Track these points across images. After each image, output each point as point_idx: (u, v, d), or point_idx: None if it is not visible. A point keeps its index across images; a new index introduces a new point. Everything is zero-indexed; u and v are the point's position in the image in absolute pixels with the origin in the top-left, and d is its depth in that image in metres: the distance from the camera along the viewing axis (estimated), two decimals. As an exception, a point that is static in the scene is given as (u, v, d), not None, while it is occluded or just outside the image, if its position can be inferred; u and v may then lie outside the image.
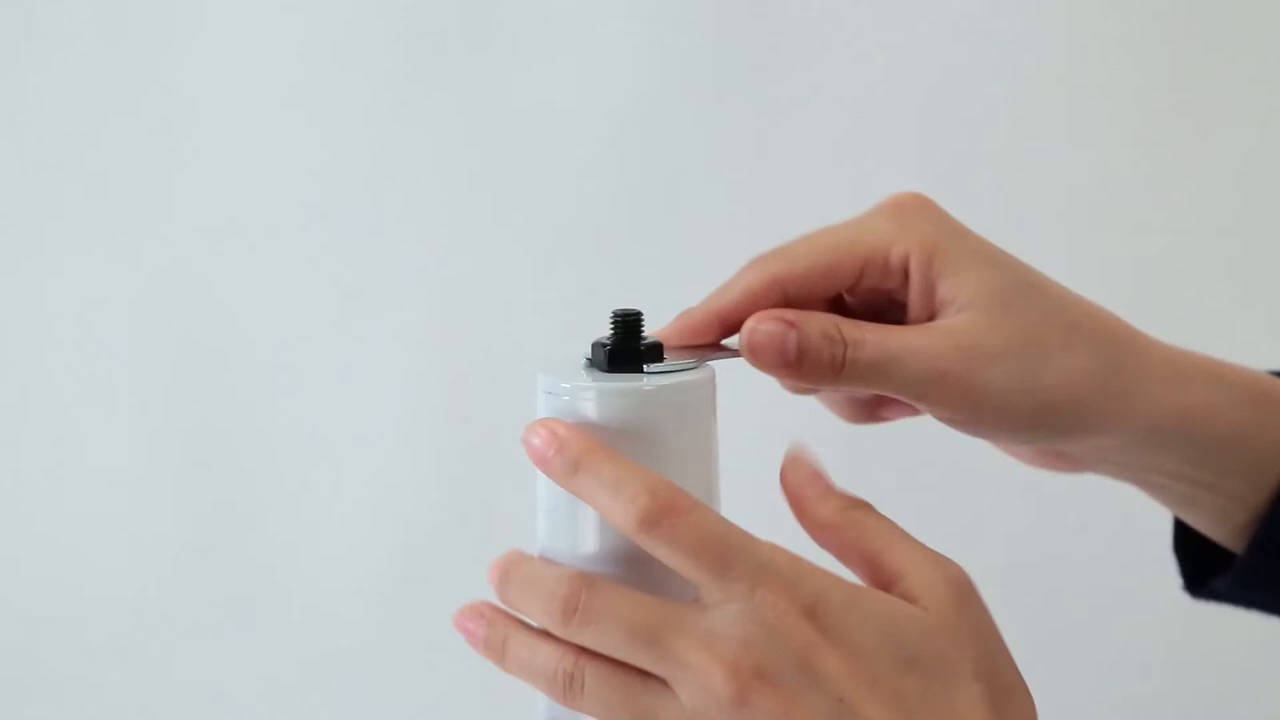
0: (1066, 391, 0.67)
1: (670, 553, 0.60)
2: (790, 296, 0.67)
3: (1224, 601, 0.76)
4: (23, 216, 1.40)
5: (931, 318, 0.67)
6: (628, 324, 0.65)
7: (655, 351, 0.65)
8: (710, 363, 0.66)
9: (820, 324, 0.65)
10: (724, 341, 0.68)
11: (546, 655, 0.63)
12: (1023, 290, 0.67)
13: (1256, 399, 0.71)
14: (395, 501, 1.40)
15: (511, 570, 0.65)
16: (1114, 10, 1.33)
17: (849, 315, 0.67)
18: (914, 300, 0.67)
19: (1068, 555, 1.36)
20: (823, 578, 0.61)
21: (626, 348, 0.65)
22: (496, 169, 1.38)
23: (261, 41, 1.38)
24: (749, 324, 0.66)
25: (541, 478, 0.64)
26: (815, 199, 1.35)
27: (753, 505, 1.12)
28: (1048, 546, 1.36)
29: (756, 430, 1.25)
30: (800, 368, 0.65)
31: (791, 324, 0.65)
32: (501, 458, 1.36)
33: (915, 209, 0.69)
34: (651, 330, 0.66)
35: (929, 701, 0.60)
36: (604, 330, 0.65)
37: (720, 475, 0.66)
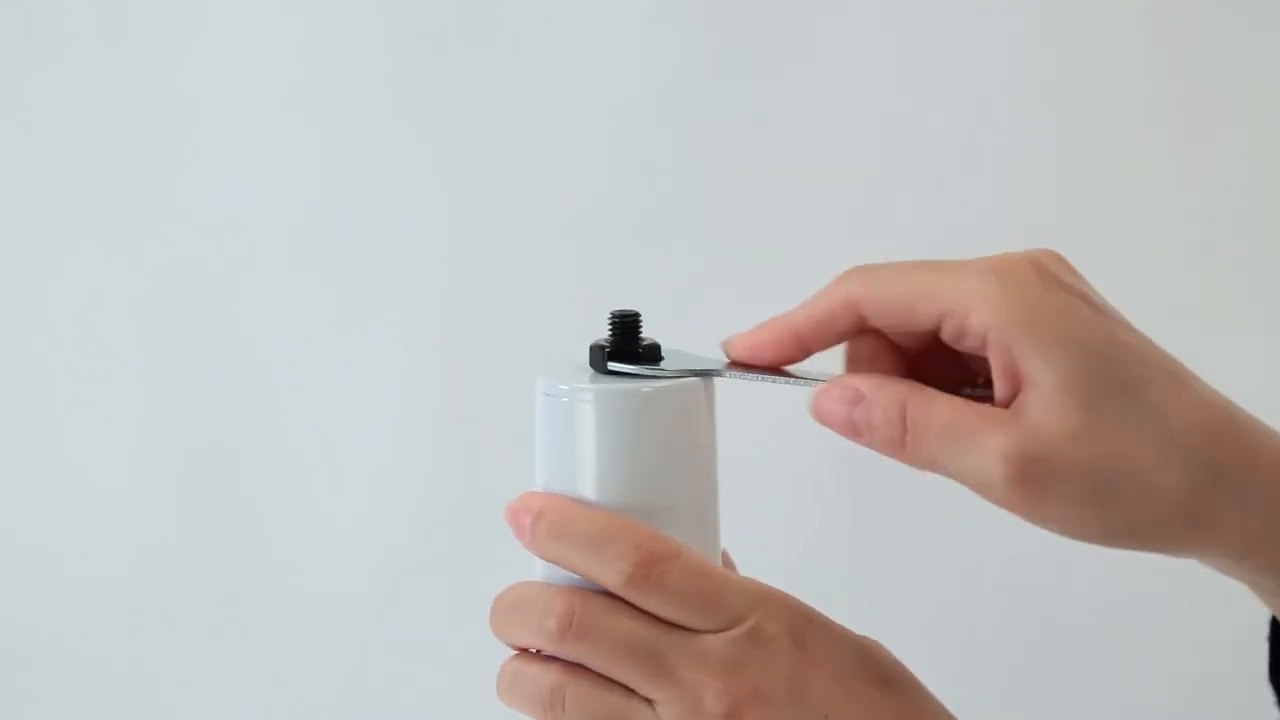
0: (1146, 515, 0.59)
1: (662, 601, 0.62)
2: (869, 322, 0.62)
3: None
4: (22, 216, 1.40)
5: (1016, 393, 0.59)
6: (626, 325, 0.65)
7: (653, 353, 0.65)
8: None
9: (886, 401, 0.61)
10: (796, 368, 0.65)
11: (532, 676, 0.63)
12: (1116, 390, 0.58)
13: None
14: (395, 502, 1.40)
15: (498, 599, 0.65)
16: (1120, 7, 1.33)
17: (944, 356, 0.63)
18: (995, 373, 0.60)
19: (1081, 561, 1.35)
20: (803, 606, 0.64)
21: (625, 349, 0.64)
22: (496, 169, 1.38)
23: (261, 42, 1.38)
24: (817, 392, 0.62)
25: (540, 485, 0.64)
26: (817, 198, 1.35)
27: (754, 508, 1.12)
28: (1053, 554, 1.35)
29: (758, 433, 1.25)
30: (864, 440, 0.62)
31: (860, 397, 0.61)
32: (502, 459, 1.36)
33: (1019, 274, 0.60)
34: (730, 335, 0.65)
35: (907, 716, 0.63)
36: (604, 331, 0.65)
37: (719, 477, 0.66)
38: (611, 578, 0.62)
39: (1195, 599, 1.32)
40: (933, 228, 1.33)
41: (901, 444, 0.61)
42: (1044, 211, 1.34)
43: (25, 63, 1.38)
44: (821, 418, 0.63)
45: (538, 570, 0.65)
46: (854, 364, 0.65)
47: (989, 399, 0.60)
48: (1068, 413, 0.58)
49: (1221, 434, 0.60)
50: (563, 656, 0.63)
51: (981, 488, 0.60)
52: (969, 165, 1.34)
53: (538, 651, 0.64)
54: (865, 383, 0.62)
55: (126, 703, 1.43)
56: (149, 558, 1.42)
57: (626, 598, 0.62)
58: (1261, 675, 1.27)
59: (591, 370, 0.65)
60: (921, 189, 1.35)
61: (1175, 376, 0.60)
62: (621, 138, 1.36)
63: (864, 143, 1.35)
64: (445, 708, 1.41)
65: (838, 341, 0.64)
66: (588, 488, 0.63)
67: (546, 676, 0.63)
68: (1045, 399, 0.58)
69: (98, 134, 1.39)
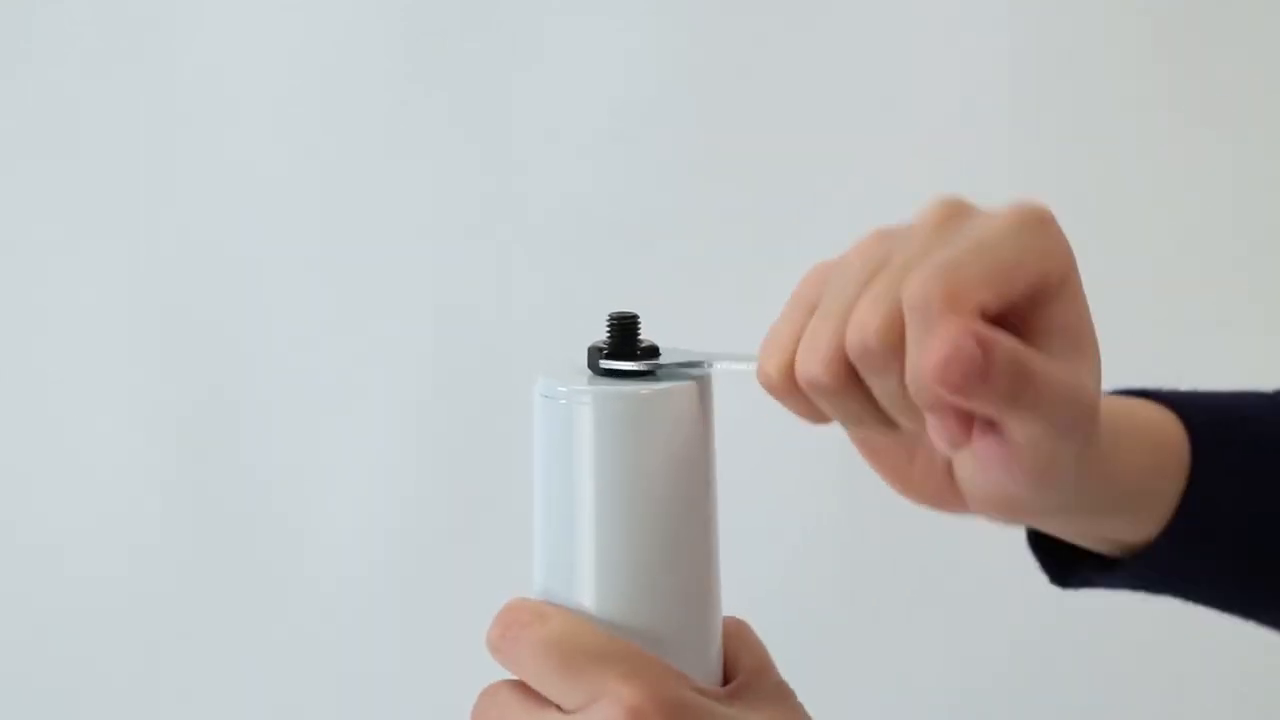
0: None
1: (516, 672, 0.61)
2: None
3: (1101, 586, 0.74)
4: (21, 215, 1.40)
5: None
6: (624, 327, 0.64)
7: (650, 355, 0.65)
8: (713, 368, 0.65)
9: (1007, 349, 0.56)
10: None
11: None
12: None
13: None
14: (394, 502, 1.40)
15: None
16: (1120, 9, 1.33)
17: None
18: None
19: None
20: (672, 693, 0.59)
21: (623, 351, 0.64)
22: (496, 169, 1.38)
23: (261, 41, 1.38)
24: (932, 353, 0.55)
25: (538, 521, 0.64)
26: (817, 197, 1.35)
27: (752, 508, 1.12)
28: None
29: (756, 435, 1.25)
30: (984, 389, 0.56)
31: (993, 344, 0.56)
32: (500, 457, 1.36)
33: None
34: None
35: None
36: (602, 333, 0.65)
37: (717, 480, 0.66)
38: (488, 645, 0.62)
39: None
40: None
41: (1023, 395, 0.57)
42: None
43: (25, 61, 1.38)
44: (946, 372, 0.55)
45: (536, 585, 0.65)
46: None
47: None
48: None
49: None
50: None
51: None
52: (973, 165, 1.34)
53: None
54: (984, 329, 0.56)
55: (123, 698, 1.43)
56: (147, 556, 1.42)
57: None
58: (1261, 673, 1.28)
59: (590, 372, 0.65)
60: (924, 188, 1.34)
61: None
62: (621, 137, 1.37)
63: (866, 142, 1.35)
64: (445, 707, 1.41)
65: None
66: (585, 489, 0.63)
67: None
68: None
69: (96, 133, 1.39)
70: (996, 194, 1.41)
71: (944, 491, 0.66)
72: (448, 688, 1.40)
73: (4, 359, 1.42)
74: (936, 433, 0.58)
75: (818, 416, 0.61)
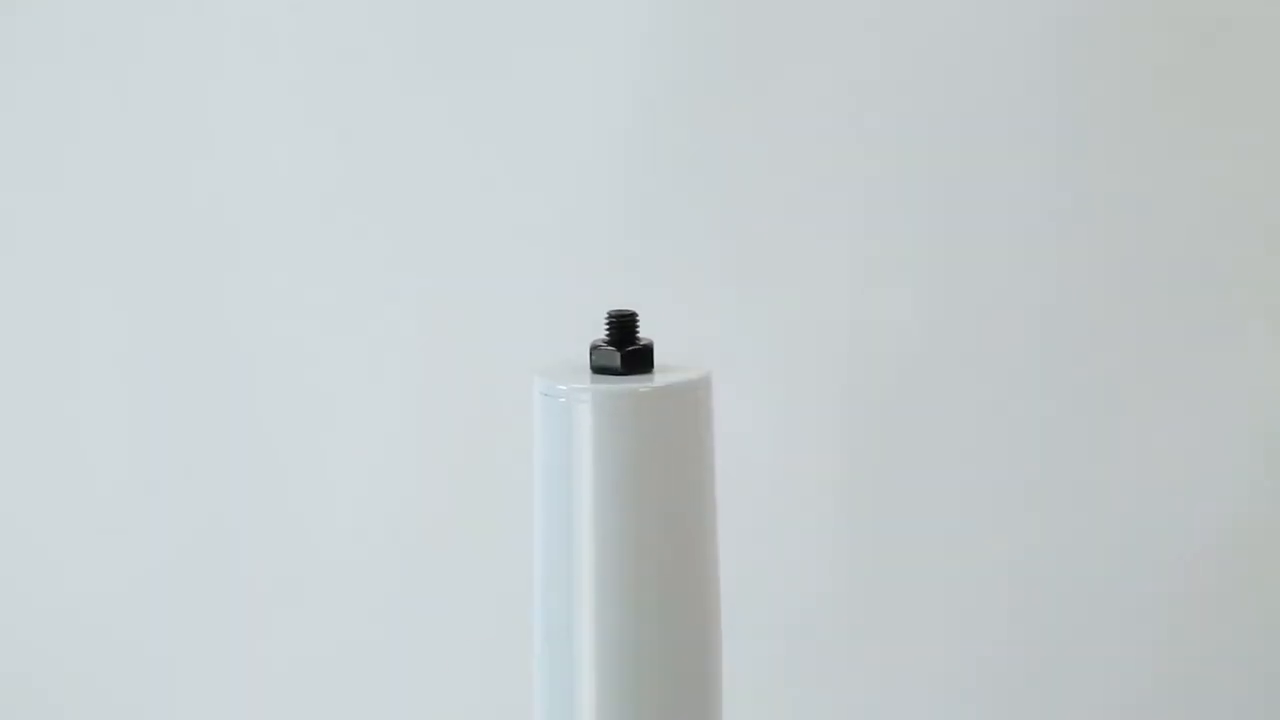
0: None
1: None
2: None
3: None
4: (18, 213, 1.40)
5: None
6: (623, 325, 0.65)
7: (647, 354, 0.65)
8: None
9: None
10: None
11: None
12: None
13: None
14: (395, 502, 1.40)
15: None
16: (1119, 9, 1.33)
17: None
18: None
19: (1071, 563, 1.36)
20: None
21: (622, 348, 0.64)
22: (496, 167, 1.38)
23: (261, 40, 1.38)
24: None
25: (539, 519, 0.64)
26: (817, 198, 1.35)
27: (747, 507, 1.12)
28: (1051, 555, 1.36)
29: (755, 434, 1.25)
30: None
31: None
32: (500, 456, 1.36)
33: None
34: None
35: None
36: (602, 332, 0.65)
37: (715, 477, 0.66)
38: None
39: (1196, 599, 1.32)
40: (933, 226, 1.33)
41: None
42: (1044, 212, 1.34)
43: (23, 57, 1.38)
44: None
45: (536, 576, 0.65)
46: None
47: None
48: None
49: None
50: None
51: None
52: (973, 164, 1.34)
53: None
54: None
55: (122, 703, 1.43)
56: (145, 557, 1.42)
57: None
58: (1263, 676, 1.27)
59: (590, 371, 0.65)
60: (924, 189, 1.35)
61: None
62: (624, 135, 1.36)
63: (865, 141, 1.35)
64: (446, 705, 1.41)
65: None
66: (585, 485, 0.63)
67: None
68: None
69: (95, 131, 1.39)
70: (997, 194, 1.41)
71: None
72: (449, 687, 1.40)
73: (2, 359, 1.42)
74: None
75: None
